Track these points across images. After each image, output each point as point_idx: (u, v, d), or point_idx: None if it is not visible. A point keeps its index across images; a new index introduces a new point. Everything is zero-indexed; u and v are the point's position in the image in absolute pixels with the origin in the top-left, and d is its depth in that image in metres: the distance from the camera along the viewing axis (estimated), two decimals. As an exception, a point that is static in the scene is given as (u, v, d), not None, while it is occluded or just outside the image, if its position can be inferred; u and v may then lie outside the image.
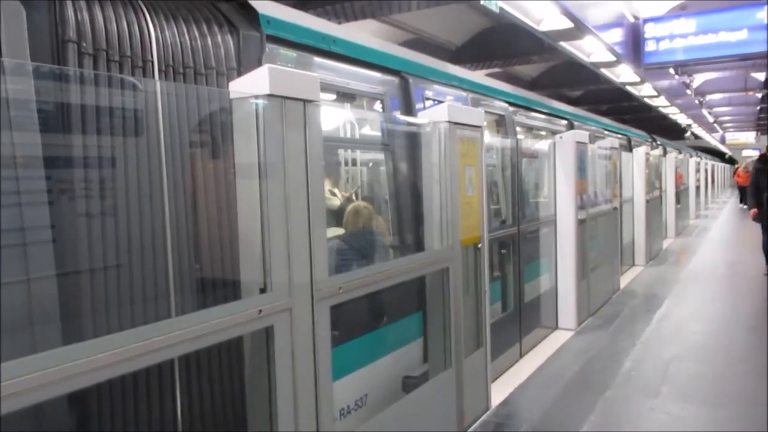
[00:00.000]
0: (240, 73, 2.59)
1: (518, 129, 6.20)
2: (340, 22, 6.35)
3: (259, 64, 2.72)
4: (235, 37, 2.68)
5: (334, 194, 4.72)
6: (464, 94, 4.96)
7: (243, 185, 2.37)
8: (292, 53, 3.14)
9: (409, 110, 4.03)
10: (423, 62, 4.55)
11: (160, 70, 2.33)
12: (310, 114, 2.41)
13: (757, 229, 9.18)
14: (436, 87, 4.52)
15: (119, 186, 2.11)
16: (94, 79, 2.10)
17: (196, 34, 2.50)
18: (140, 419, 2.18)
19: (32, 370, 1.53)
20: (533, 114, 6.92)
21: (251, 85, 2.28)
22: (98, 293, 2.04)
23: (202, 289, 2.41)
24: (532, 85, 12.62)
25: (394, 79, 4.01)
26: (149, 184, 2.18)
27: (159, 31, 2.35)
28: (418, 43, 8.59)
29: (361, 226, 3.86)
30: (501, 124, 5.72)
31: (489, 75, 8.79)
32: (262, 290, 2.29)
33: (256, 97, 2.26)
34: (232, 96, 2.36)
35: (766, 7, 8.38)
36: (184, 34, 2.46)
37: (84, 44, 2.09)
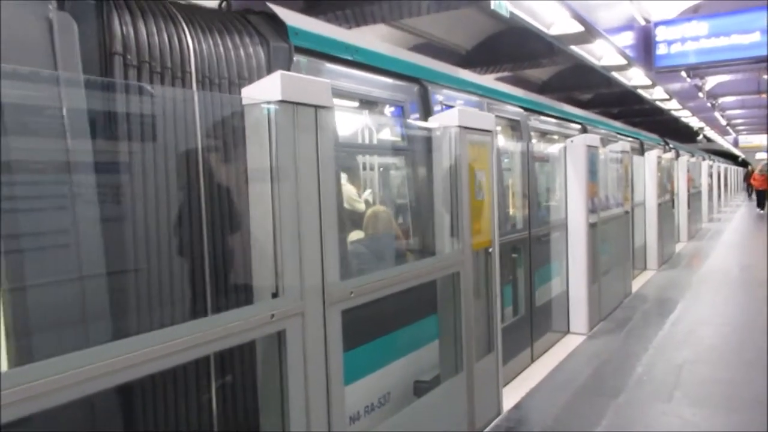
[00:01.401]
0: None
1: (533, 133, 6.22)
2: (350, 27, 6.37)
3: None
4: (265, 49, 2.78)
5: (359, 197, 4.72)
6: (481, 99, 5.02)
7: (255, 190, 2.40)
8: (318, 63, 3.21)
9: (428, 116, 4.14)
10: (441, 70, 4.66)
11: (197, 81, 2.42)
12: (321, 119, 2.43)
13: (770, 232, 9.12)
14: (454, 93, 4.61)
15: (137, 191, 2.18)
16: (138, 90, 2.23)
17: (230, 45, 2.60)
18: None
19: (46, 374, 1.56)
20: (547, 118, 6.93)
21: (264, 91, 2.31)
22: (113, 297, 2.07)
23: (215, 294, 2.44)
24: (542, 88, 12.57)
25: (413, 87, 4.12)
26: (166, 189, 2.23)
27: (196, 44, 2.45)
28: (428, 47, 8.59)
29: (380, 230, 3.89)
30: (516, 129, 5.77)
31: (498, 79, 8.77)
32: (275, 294, 2.31)
33: (268, 102, 2.29)
34: (244, 102, 2.39)
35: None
36: (219, 46, 2.56)
37: (129, 56, 2.20)
